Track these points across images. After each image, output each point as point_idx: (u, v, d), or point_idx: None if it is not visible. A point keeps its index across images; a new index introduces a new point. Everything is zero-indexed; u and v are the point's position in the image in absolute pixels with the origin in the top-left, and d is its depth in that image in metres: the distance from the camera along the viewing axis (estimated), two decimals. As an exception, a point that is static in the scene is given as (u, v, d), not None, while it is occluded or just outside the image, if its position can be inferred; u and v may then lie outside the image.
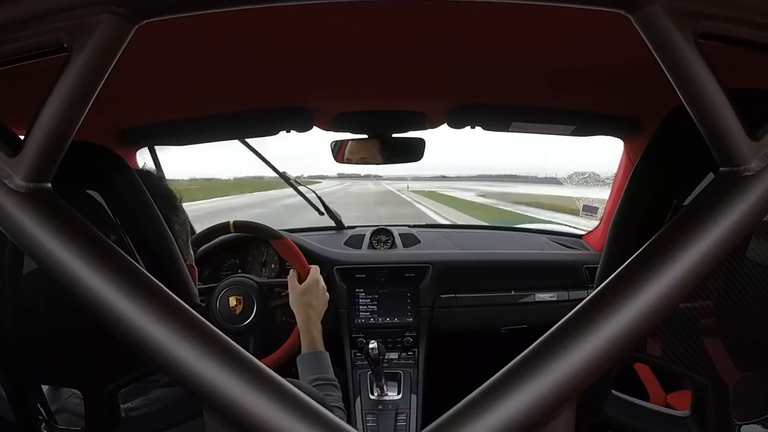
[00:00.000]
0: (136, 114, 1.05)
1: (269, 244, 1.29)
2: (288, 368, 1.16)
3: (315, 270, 1.17)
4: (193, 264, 0.67)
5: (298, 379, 0.97)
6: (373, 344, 1.14)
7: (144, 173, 0.65)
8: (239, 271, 1.39)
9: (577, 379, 0.25)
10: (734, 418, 0.40)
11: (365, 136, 1.20)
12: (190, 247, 0.67)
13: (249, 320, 1.20)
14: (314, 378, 0.95)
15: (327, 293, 1.17)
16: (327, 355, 1.01)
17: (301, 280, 1.15)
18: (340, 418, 0.91)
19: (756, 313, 0.39)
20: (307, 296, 1.12)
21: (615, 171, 1.44)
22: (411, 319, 1.41)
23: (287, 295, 1.15)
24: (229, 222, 1.24)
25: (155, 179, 0.64)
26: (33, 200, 0.28)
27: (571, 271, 1.47)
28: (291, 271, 1.17)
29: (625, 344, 0.26)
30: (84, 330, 0.41)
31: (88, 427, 0.43)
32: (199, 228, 1.30)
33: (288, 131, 1.11)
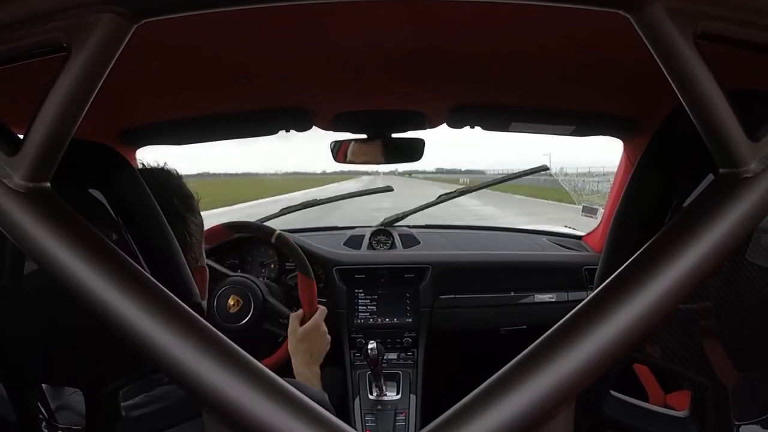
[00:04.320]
0: (136, 113, 1.05)
1: (260, 241, 1.28)
2: (287, 369, 1.15)
3: (321, 313, 1.13)
4: (205, 266, 0.67)
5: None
6: (372, 344, 1.13)
7: (164, 172, 0.66)
8: (238, 270, 1.39)
9: (576, 380, 0.25)
10: (733, 418, 0.40)
11: (365, 136, 1.20)
12: (203, 248, 0.68)
13: (246, 320, 1.20)
14: None
15: (328, 336, 1.12)
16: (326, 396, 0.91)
17: (303, 321, 1.11)
18: None
19: (756, 314, 0.39)
20: (307, 342, 1.07)
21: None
22: (410, 320, 1.41)
23: (285, 323, 1.13)
24: (275, 231, 1.24)
25: (175, 178, 0.65)
26: (32, 200, 0.28)
27: (571, 272, 1.47)
28: (293, 314, 1.13)
29: (624, 345, 0.26)
30: (84, 329, 0.41)
31: (89, 426, 0.43)
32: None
33: (287, 131, 1.11)
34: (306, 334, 1.08)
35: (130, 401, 0.50)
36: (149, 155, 1.18)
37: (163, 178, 0.64)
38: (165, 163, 0.68)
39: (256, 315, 1.20)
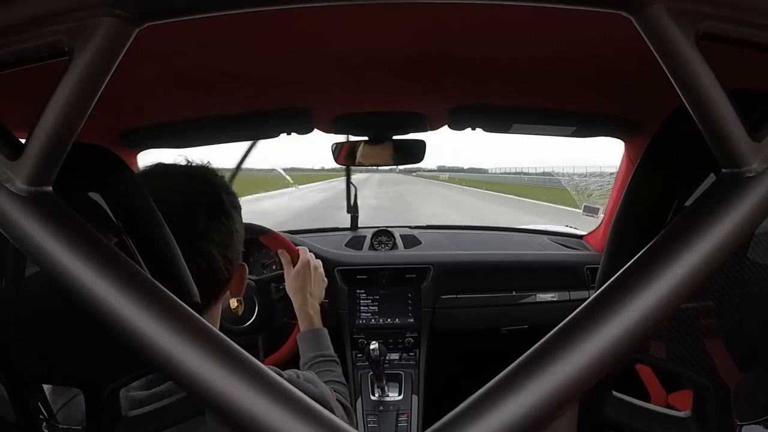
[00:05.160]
0: (137, 116, 1.05)
1: (260, 242, 1.28)
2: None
3: (303, 251, 1.15)
4: (244, 263, 0.67)
5: (299, 359, 0.96)
6: (374, 345, 1.13)
7: (211, 170, 0.65)
8: None
9: (579, 381, 0.25)
10: (736, 418, 0.40)
11: (365, 138, 1.20)
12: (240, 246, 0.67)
13: (251, 320, 1.20)
14: (314, 355, 0.94)
15: (321, 270, 1.16)
16: (326, 331, 1.01)
17: (293, 265, 1.13)
18: (342, 393, 0.87)
19: (758, 314, 0.39)
20: (300, 280, 1.10)
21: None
22: (412, 320, 1.41)
23: (284, 288, 1.14)
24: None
25: (221, 177, 0.65)
26: (34, 204, 0.28)
27: (572, 271, 1.46)
28: (283, 259, 1.15)
29: (627, 345, 0.26)
30: (85, 330, 0.42)
31: (89, 426, 0.43)
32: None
33: (288, 133, 1.12)
34: (297, 272, 1.11)
35: (148, 390, 0.51)
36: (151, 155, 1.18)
37: (212, 176, 0.64)
38: (209, 162, 0.68)
39: (260, 314, 1.20)
